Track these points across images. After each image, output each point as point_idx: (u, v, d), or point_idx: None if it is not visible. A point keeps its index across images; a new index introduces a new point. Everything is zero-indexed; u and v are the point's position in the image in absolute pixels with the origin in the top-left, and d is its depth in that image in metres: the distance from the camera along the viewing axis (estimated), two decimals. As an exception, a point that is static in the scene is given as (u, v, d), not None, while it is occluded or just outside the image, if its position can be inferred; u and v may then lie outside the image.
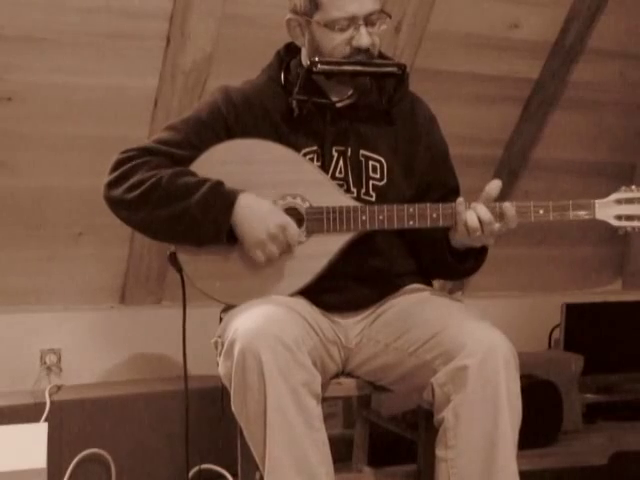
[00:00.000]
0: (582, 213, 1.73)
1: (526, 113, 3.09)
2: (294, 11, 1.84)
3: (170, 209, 1.72)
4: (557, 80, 3.04)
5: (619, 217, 1.73)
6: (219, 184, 1.74)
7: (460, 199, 1.74)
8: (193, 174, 1.77)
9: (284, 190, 1.79)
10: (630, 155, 3.40)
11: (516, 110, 3.09)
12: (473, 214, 1.70)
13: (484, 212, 1.70)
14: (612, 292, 3.64)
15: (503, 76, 2.97)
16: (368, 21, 1.78)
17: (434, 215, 1.75)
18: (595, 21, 2.94)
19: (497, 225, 1.71)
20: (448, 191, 1.94)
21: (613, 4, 2.91)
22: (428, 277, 1.99)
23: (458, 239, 1.77)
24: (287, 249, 1.75)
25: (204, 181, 1.74)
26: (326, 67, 1.79)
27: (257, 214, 1.72)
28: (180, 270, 1.81)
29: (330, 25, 1.78)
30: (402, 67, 1.84)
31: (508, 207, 1.71)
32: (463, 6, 2.75)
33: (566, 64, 3.01)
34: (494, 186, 1.73)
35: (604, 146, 3.32)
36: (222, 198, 1.72)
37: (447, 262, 1.84)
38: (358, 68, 1.80)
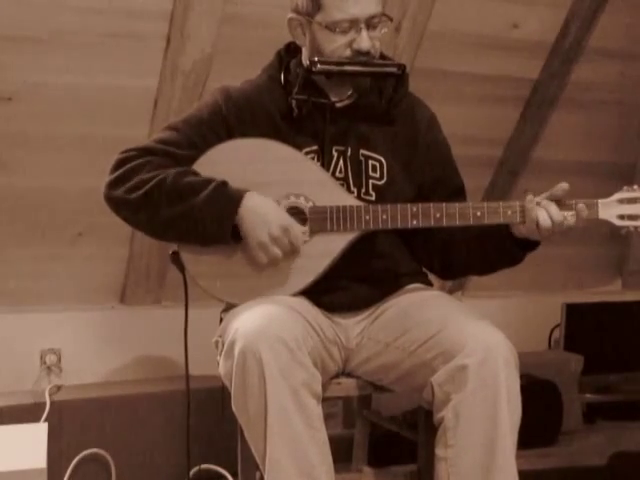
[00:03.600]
0: (585, 212, 1.73)
1: (526, 113, 3.09)
2: (296, 10, 1.83)
3: (174, 209, 1.72)
4: (557, 80, 3.04)
5: (622, 217, 1.74)
6: (224, 184, 1.73)
7: (530, 196, 1.72)
8: (197, 174, 1.77)
9: (287, 190, 1.78)
10: (630, 155, 3.40)
11: (516, 110, 3.09)
12: (545, 213, 1.70)
13: (556, 212, 1.70)
14: (612, 292, 3.64)
15: (503, 76, 2.97)
16: (369, 24, 1.78)
17: (437, 215, 1.74)
18: (595, 21, 2.94)
19: (565, 224, 1.70)
20: (452, 191, 1.94)
21: (613, 4, 2.91)
22: (451, 274, 2.01)
23: (524, 233, 1.75)
24: (292, 250, 1.75)
25: (209, 181, 1.73)
26: (326, 67, 1.79)
27: (260, 216, 1.72)
28: (182, 269, 1.81)
29: (331, 26, 1.78)
30: (402, 67, 1.84)
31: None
32: (463, 6, 2.75)
33: (566, 64, 3.00)
34: (560, 188, 1.72)
35: (604, 146, 3.32)
36: (227, 198, 1.72)
37: (507, 250, 1.81)
38: (358, 68, 1.80)
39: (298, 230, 1.74)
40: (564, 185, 1.73)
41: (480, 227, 1.79)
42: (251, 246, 1.73)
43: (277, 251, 1.72)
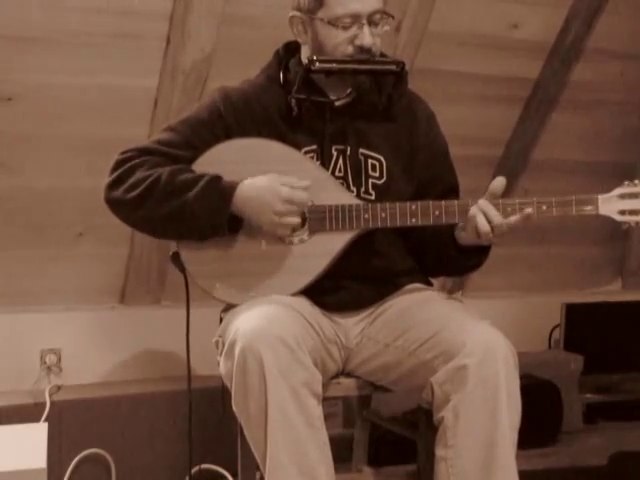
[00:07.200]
0: (585, 208, 1.72)
1: (526, 113, 3.09)
2: (297, 8, 1.84)
3: (169, 205, 1.72)
4: (557, 80, 3.03)
5: (622, 212, 1.73)
6: (216, 178, 1.74)
7: (471, 204, 1.73)
8: (191, 171, 1.77)
9: None
10: (630, 155, 3.40)
11: (516, 110, 3.09)
12: (483, 218, 1.70)
13: (495, 215, 1.70)
14: (612, 292, 3.64)
15: (503, 76, 2.97)
16: (371, 20, 1.78)
17: (436, 212, 1.75)
18: (595, 21, 2.94)
19: (505, 224, 1.70)
20: (447, 189, 1.94)
21: (613, 4, 2.91)
22: (431, 275, 1.99)
23: (466, 238, 1.76)
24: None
25: (201, 176, 1.74)
26: (325, 65, 1.80)
27: (258, 200, 1.72)
28: (183, 270, 1.81)
29: (333, 22, 1.78)
30: (400, 64, 1.84)
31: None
32: (463, 6, 2.75)
33: (566, 64, 3.00)
34: (497, 184, 1.73)
35: (604, 146, 3.32)
36: (220, 191, 1.72)
37: (452, 258, 1.84)
38: (357, 66, 1.80)
39: (300, 193, 1.72)
40: (500, 179, 1.73)
41: (433, 234, 1.82)
42: (267, 229, 1.74)
43: (292, 220, 1.73)
